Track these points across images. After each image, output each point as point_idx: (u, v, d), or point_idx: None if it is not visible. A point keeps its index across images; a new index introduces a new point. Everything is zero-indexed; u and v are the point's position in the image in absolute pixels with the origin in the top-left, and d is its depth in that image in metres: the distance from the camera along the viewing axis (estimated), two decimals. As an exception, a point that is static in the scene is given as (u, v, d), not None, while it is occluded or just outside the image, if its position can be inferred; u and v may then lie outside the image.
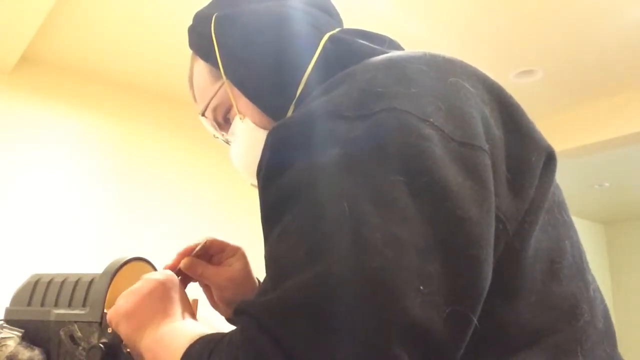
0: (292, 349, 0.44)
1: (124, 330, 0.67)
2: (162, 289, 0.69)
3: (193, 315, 0.69)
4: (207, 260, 0.84)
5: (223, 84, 0.76)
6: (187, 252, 0.82)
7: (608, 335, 0.60)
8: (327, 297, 0.44)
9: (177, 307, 0.68)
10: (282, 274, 0.48)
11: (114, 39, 2.93)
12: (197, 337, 0.57)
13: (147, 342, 0.64)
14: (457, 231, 0.47)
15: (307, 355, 0.44)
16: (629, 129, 3.60)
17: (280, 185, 0.53)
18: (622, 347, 0.62)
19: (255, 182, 0.60)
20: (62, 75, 3.21)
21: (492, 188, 0.51)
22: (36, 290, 0.79)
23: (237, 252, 0.86)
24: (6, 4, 2.38)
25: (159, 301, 0.68)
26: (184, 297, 0.71)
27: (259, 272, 0.83)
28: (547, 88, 3.49)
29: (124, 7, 2.67)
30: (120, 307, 0.68)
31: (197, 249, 0.81)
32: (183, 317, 0.67)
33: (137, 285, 0.70)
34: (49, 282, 0.79)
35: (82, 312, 0.75)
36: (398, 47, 0.74)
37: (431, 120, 0.51)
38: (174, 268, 0.80)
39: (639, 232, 7.11)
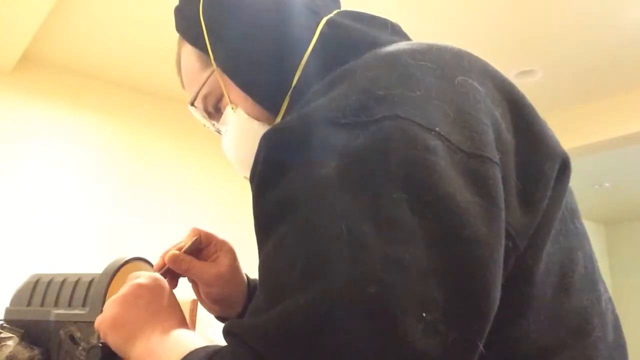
0: None
1: (112, 341, 0.64)
2: (149, 295, 0.65)
3: (183, 320, 0.65)
4: (195, 254, 0.79)
5: (213, 71, 0.70)
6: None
7: (619, 347, 0.58)
8: (321, 324, 0.42)
9: (166, 314, 0.64)
10: (276, 295, 0.46)
11: (114, 39, 2.93)
12: (187, 352, 0.55)
13: (138, 352, 0.61)
14: (464, 253, 0.44)
15: None
16: (629, 129, 3.60)
17: (275, 194, 0.50)
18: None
19: (249, 176, 0.58)
20: (62, 75, 3.21)
21: (503, 204, 0.47)
22: (36, 290, 0.79)
23: (224, 247, 0.81)
24: (6, 4, 2.38)
25: (146, 309, 0.64)
26: (172, 301, 0.67)
27: (257, 273, 0.83)
28: (547, 88, 3.49)
29: (124, 8, 2.67)
30: (106, 317, 0.65)
31: (187, 246, 0.78)
32: (173, 326, 0.63)
33: (123, 292, 0.66)
34: (49, 282, 0.79)
35: (82, 312, 0.74)
36: (401, 33, 0.69)
37: (437, 129, 0.47)
38: (163, 267, 0.76)
39: (639, 232, 7.11)
